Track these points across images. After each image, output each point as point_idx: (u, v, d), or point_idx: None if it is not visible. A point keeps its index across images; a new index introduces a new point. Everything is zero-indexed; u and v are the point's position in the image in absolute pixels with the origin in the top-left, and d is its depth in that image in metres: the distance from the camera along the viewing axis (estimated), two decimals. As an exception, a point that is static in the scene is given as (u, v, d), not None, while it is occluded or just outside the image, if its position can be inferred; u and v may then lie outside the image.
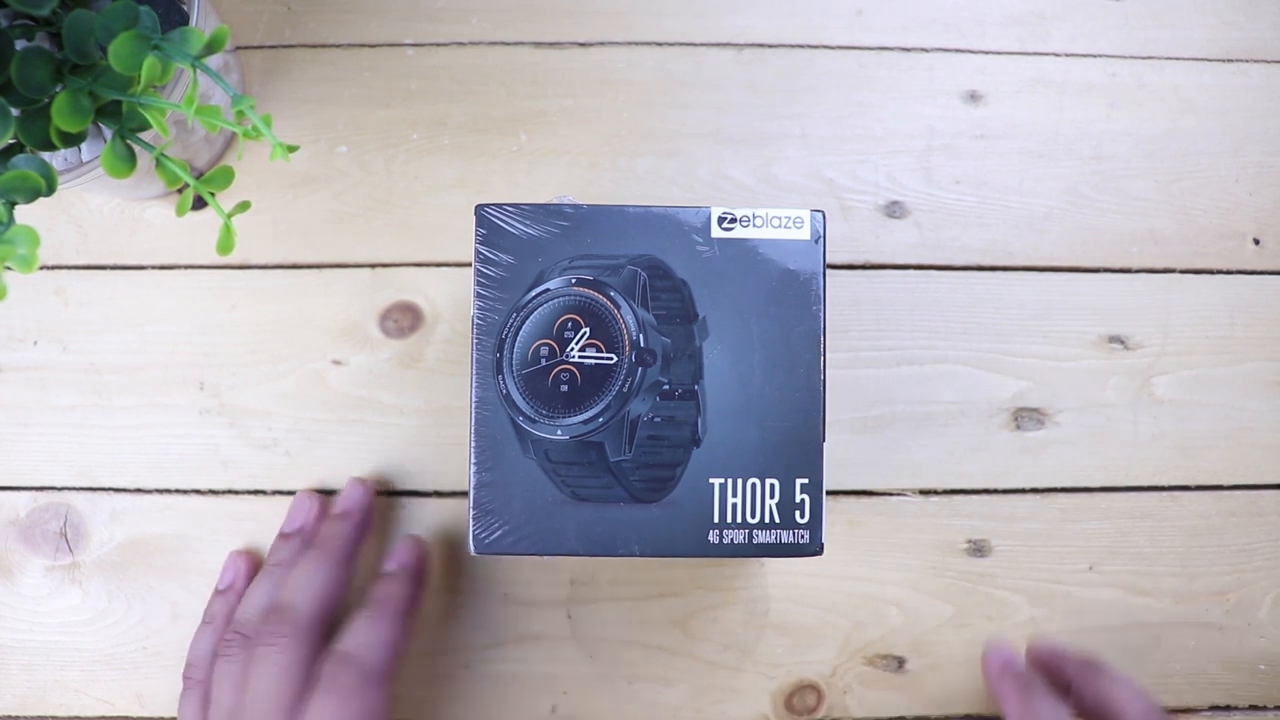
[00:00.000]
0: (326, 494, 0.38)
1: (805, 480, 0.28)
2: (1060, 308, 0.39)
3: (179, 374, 0.38)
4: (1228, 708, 0.38)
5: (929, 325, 0.39)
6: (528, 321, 0.27)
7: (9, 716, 0.37)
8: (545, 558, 0.38)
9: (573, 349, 0.27)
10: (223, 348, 0.38)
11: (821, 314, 0.28)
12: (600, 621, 0.38)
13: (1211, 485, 0.39)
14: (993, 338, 0.39)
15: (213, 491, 0.38)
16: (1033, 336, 0.39)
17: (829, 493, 0.36)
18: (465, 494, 0.38)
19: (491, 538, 0.27)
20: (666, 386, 0.27)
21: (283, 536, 0.36)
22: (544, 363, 0.27)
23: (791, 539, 0.27)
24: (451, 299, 0.38)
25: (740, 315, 0.28)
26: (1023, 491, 0.38)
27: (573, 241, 0.28)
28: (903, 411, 0.39)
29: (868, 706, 0.37)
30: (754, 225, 0.28)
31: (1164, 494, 0.39)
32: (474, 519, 0.27)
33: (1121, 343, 0.39)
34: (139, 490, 0.38)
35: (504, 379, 0.27)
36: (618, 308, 0.27)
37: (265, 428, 0.38)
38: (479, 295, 0.28)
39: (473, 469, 0.27)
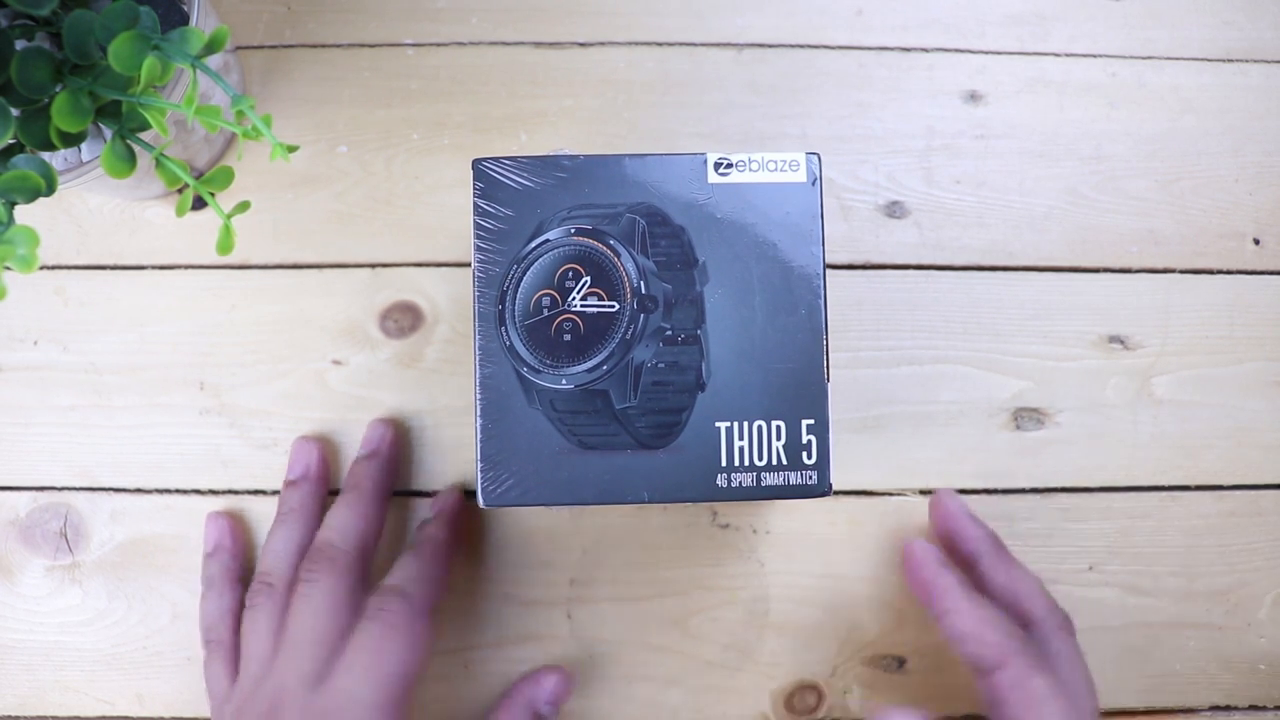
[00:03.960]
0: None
1: (811, 421, 0.28)
2: (1060, 308, 0.39)
3: (179, 374, 0.38)
4: (1228, 708, 0.38)
5: (929, 325, 0.39)
6: (529, 273, 0.28)
7: (9, 716, 0.37)
8: (545, 556, 0.38)
9: (574, 298, 0.27)
10: (223, 348, 0.38)
11: (820, 255, 0.28)
12: (600, 621, 0.38)
13: (1211, 485, 0.39)
14: (993, 338, 0.39)
15: (213, 491, 0.38)
16: (1033, 336, 0.39)
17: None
18: (467, 493, 0.38)
19: (500, 490, 0.27)
20: (669, 332, 0.27)
21: (290, 485, 0.36)
22: (546, 313, 0.27)
23: (800, 480, 0.28)
24: (451, 299, 0.38)
25: (740, 259, 0.28)
26: (1023, 491, 0.38)
27: (570, 192, 0.28)
28: (903, 411, 0.39)
29: (868, 706, 0.37)
30: (750, 169, 0.28)
31: (1164, 494, 0.39)
32: (482, 473, 0.27)
33: (1121, 343, 0.39)
34: (139, 490, 0.38)
35: (507, 330, 0.27)
36: (618, 255, 0.27)
37: (265, 428, 0.38)
38: (478, 248, 0.28)
39: (479, 423, 0.27)
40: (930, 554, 0.35)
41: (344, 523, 0.34)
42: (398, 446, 0.38)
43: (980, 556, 0.35)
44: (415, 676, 0.33)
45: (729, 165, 0.28)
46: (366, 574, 0.34)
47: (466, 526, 0.38)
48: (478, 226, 0.28)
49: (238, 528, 0.37)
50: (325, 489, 0.37)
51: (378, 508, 0.36)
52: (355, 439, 0.38)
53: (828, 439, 0.28)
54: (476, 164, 0.28)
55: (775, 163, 0.28)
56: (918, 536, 0.38)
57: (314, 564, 0.33)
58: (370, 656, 0.31)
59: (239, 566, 0.36)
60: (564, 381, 0.27)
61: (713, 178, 0.28)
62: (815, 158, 0.28)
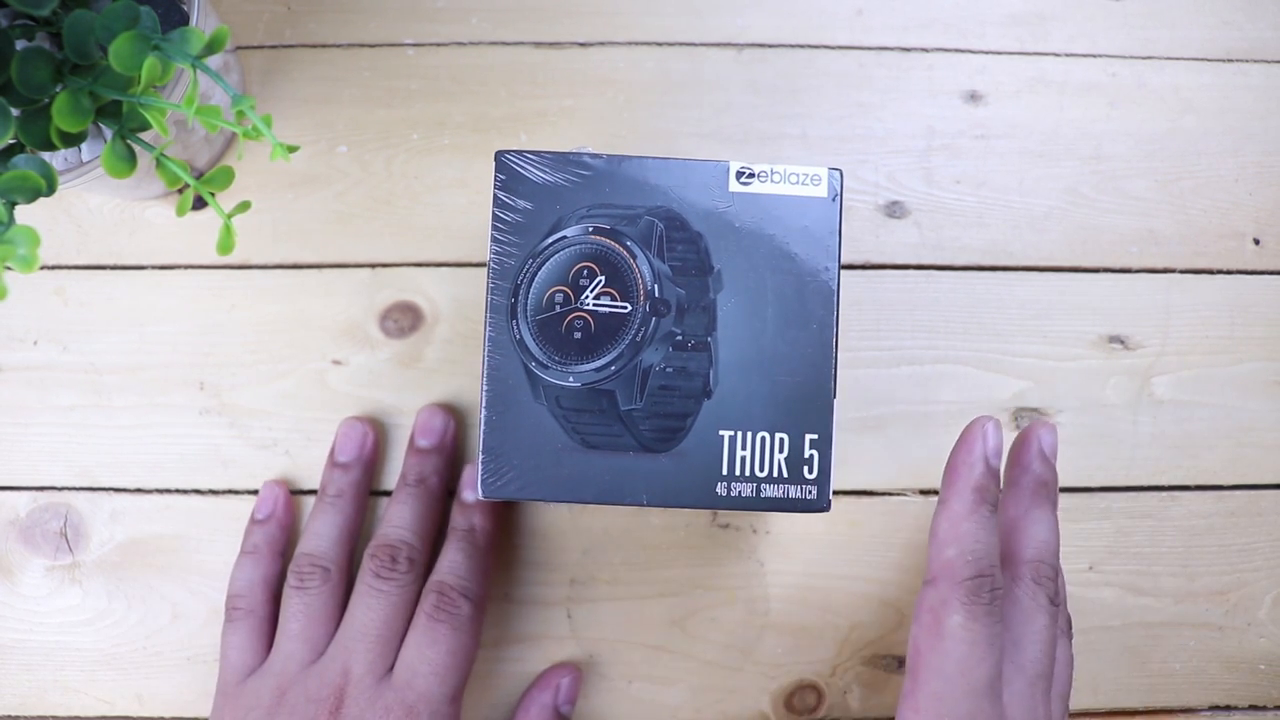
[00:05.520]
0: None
1: (815, 436, 0.28)
2: (1060, 308, 0.39)
3: (179, 374, 0.38)
4: (1228, 708, 0.38)
5: (929, 325, 0.39)
6: (543, 268, 0.28)
7: (9, 716, 0.37)
8: (545, 556, 0.38)
9: (587, 297, 0.27)
10: (223, 348, 0.38)
11: (836, 271, 0.28)
12: (600, 621, 0.38)
13: (1211, 485, 0.39)
14: (993, 338, 0.39)
15: (213, 491, 0.38)
16: (1033, 336, 0.39)
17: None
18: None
19: (500, 482, 0.27)
20: (680, 337, 0.27)
21: (339, 467, 0.36)
22: (558, 309, 0.27)
23: (799, 494, 0.27)
24: (452, 299, 0.38)
25: (755, 269, 0.28)
26: (1023, 491, 0.38)
27: (591, 190, 0.28)
28: (903, 411, 0.39)
29: (868, 706, 0.38)
30: (771, 181, 0.28)
31: (1164, 494, 0.39)
32: (483, 464, 0.27)
33: (1121, 343, 0.39)
34: (139, 490, 0.38)
35: (518, 324, 0.27)
36: (634, 257, 0.27)
37: (265, 428, 0.38)
38: (495, 240, 0.28)
39: (483, 413, 0.27)
40: (986, 442, 0.30)
41: (415, 524, 0.35)
42: (457, 437, 0.37)
43: (1013, 485, 0.33)
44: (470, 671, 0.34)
45: (751, 175, 0.28)
46: (428, 571, 0.35)
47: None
48: (496, 218, 0.28)
49: (290, 501, 0.37)
50: (374, 473, 0.37)
51: (441, 508, 0.36)
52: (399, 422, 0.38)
53: (830, 455, 0.28)
54: (499, 155, 0.28)
55: (797, 175, 0.28)
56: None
57: (390, 561, 0.33)
58: (442, 655, 0.32)
59: (285, 539, 0.37)
60: (571, 379, 0.27)
61: (734, 186, 0.28)
62: (837, 174, 0.28)
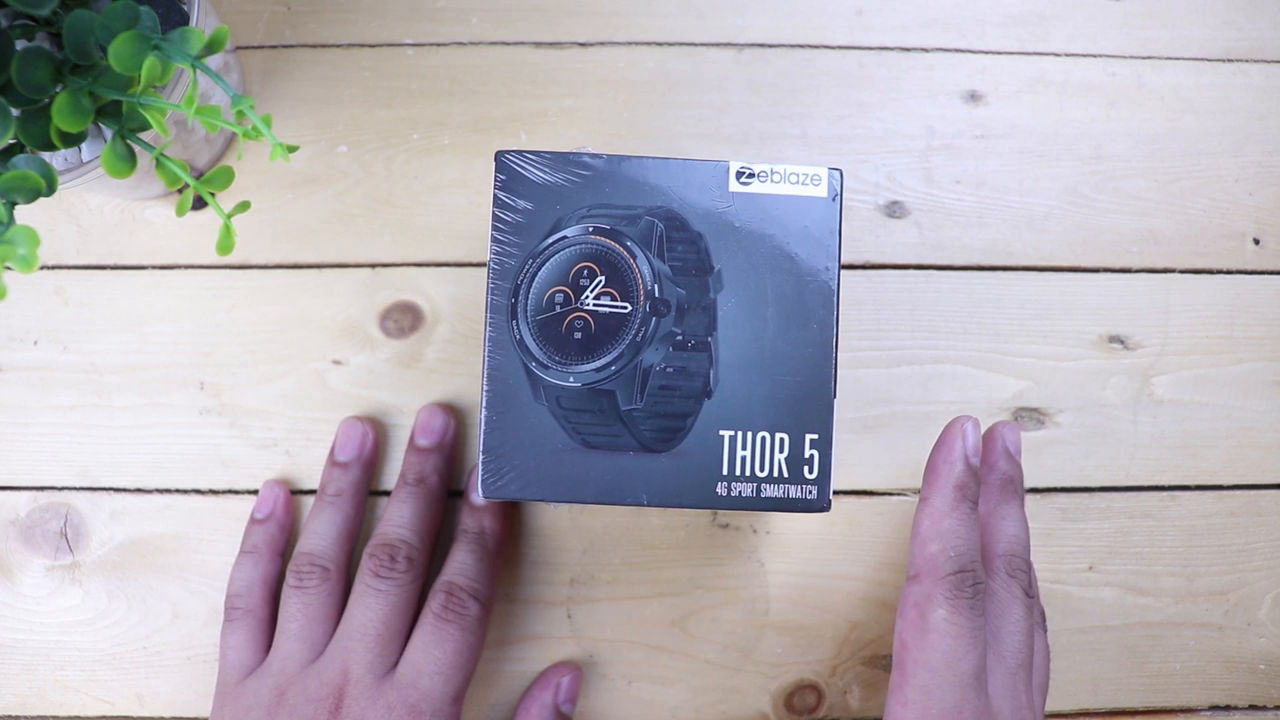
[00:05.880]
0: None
1: (815, 436, 0.28)
2: (1060, 308, 0.39)
3: (179, 374, 0.38)
4: (1228, 708, 0.38)
5: (929, 325, 0.39)
6: (544, 268, 0.28)
7: (9, 716, 0.37)
8: (545, 556, 0.38)
9: (587, 297, 0.27)
10: (223, 348, 0.38)
11: (836, 271, 0.28)
12: (600, 621, 0.38)
13: (1211, 485, 0.39)
14: (993, 338, 0.39)
15: (213, 491, 0.38)
16: (1033, 336, 0.39)
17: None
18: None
19: (500, 482, 0.27)
20: (680, 337, 0.27)
21: (339, 466, 0.36)
22: (558, 309, 0.27)
23: (799, 494, 0.27)
24: (451, 299, 0.39)
25: (755, 269, 0.28)
26: (1023, 491, 0.38)
27: (591, 190, 0.28)
28: (903, 411, 0.39)
29: (867, 706, 0.38)
30: (771, 180, 0.28)
31: (1164, 494, 0.39)
32: (483, 464, 0.27)
33: (1121, 343, 0.39)
34: (139, 490, 0.38)
35: (518, 324, 0.27)
36: (634, 257, 0.27)
37: (265, 428, 0.38)
38: (495, 240, 0.28)
39: (484, 413, 0.27)
40: (965, 441, 0.31)
41: (415, 522, 0.35)
42: (457, 438, 0.38)
43: (981, 483, 0.33)
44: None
45: (751, 175, 0.28)
46: (429, 570, 0.35)
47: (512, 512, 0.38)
48: (496, 218, 0.28)
49: (290, 501, 0.37)
50: (373, 473, 0.37)
51: (442, 507, 0.36)
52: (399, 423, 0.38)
53: (830, 455, 0.28)
54: (499, 155, 0.28)
55: (797, 175, 0.28)
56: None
57: (389, 560, 0.33)
58: (449, 655, 0.32)
59: (284, 539, 0.37)
60: (571, 379, 0.27)
61: (734, 186, 0.28)
62: (837, 174, 0.28)
